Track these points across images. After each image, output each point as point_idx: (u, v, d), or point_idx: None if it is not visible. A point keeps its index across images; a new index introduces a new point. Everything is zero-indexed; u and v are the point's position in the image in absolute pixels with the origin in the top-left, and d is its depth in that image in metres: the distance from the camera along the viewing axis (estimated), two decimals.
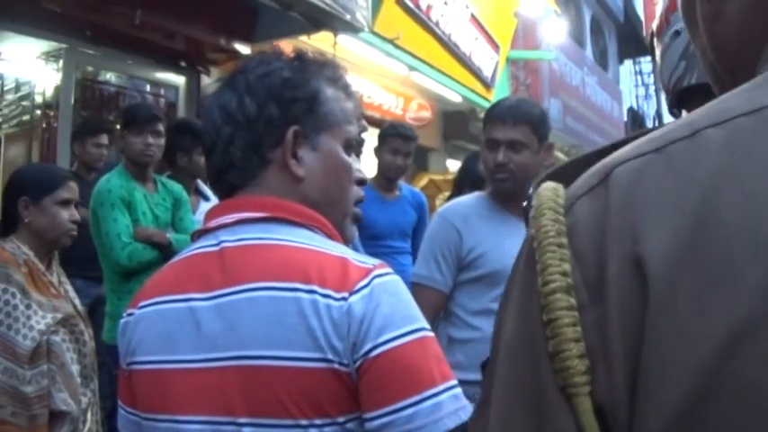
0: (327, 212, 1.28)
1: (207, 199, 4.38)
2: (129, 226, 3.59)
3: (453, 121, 10.85)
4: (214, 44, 6.41)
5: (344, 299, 1.11)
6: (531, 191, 0.70)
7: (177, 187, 3.97)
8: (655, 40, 1.44)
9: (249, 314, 1.14)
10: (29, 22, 5.22)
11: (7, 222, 2.71)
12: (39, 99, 5.87)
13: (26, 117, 6.04)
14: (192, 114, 6.50)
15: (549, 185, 0.66)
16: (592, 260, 0.59)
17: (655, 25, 1.43)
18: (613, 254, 0.57)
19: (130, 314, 1.30)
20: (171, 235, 3.73)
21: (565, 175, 0.68)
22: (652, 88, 23.33)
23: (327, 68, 1.34)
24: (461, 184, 4.48)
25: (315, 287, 1.12)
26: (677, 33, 1.31)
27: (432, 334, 1.17)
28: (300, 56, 1.33)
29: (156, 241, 3.64)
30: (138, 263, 3.55)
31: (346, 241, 1.33)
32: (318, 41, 6.35)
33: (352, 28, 6.21)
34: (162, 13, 5.64)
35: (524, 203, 0.74)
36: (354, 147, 1.36)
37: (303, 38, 6.31)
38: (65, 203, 2.70)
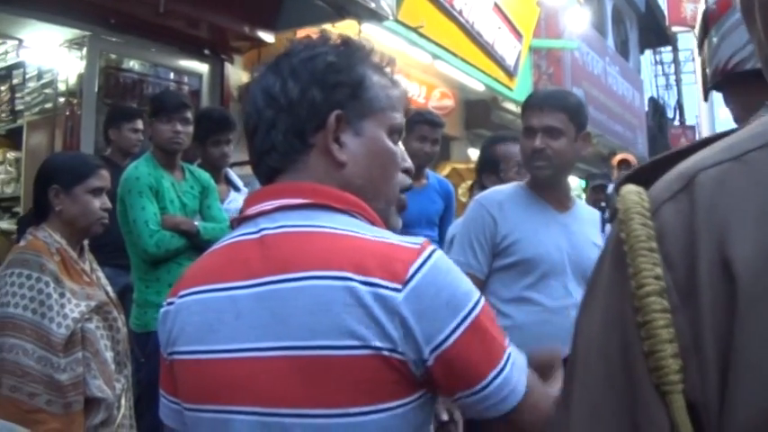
0: (370, 199, 1.26)
1: (237, 189, 4.36)
2: (158, 214, 3.60)
3: (475, 110, 10.81)
4: (238, 32, 6.40)
5: (398, 290, 1.09)
6: (610, 192, 0.70)
7: (205, 175, 3.96)
8: (710, 19, 1.41)
9: (294, 304, 1.12)
10: (52, 10, 5.23)
11: (39, 210, 2.70)
12: (62, 87, 5.87)
13: (48, 105, 6.05)
14: (215, 102, 6.50)
15: (632, 189, 0.68)
16: (682, 264, 0.62)
17: (715, 3, 1.40)
18: (703, 258, 0.60)
19: (170, 303, 1.30)
20: (198, 223, 3.72)
21: (642, 178, 0.70)
22: (672, 78, 23.20)
23: (373, 55, 1.32)
24: (481, 170, 4.43)
25: (360, 275, 1.10)
26: None
27: (483, 299, 1.17)
28: (346, 41, 1.31)
29: (183, 229, 3.64)
30: (165, 251, 3.56)
31: (390, 230, 1.30)
32: (342, 30, 6.27)
33: (377, 16, 6.19)
34: (186, 1, 5.63)
35: (602, 204, 0.73)
36: (399, 135, 1.34)
37: (327, 26, 6.25)
38: (96, 192, 2.68)
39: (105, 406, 2.51)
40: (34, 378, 2.35)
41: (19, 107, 6.44)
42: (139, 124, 4.94)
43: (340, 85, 1.24)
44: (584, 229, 2.77)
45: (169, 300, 1.31)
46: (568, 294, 2.62)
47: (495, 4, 9.43)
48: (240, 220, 1.28)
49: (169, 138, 3.73)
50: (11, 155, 6.54)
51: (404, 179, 1.35)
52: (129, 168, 3.72)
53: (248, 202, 1.29)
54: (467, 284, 1.16)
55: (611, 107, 14.75)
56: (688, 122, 21.90)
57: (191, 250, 3.66)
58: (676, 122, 21.59)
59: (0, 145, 6.65)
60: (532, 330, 2.54)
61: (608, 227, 6.32)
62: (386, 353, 1.08)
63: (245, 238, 1.23)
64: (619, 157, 6.75)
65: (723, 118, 21.33)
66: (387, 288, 1.09)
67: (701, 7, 1.52)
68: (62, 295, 2.46)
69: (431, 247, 1.16)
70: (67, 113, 5.74)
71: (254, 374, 1.14)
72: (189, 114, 3.81)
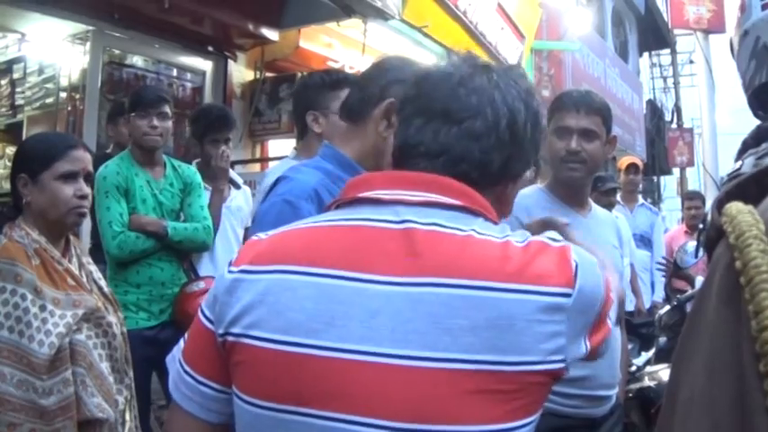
0: None
1: (237, 187, 4.30)
2: (124, 214, 3.50)
3: None
4: (242, 29, 6.33)
5: (569, 295, 1.07)
6: (709, 210, 0.63)
7: (189, 171, 3.84)
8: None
9: (469, 315, 1.03)
10: (56, 4, 5.17)
11: (15, 204, 2.39)
12: (64, 82, 5.82)
13: (50, 100, 6.00)
14: (218, 100, 6.44)
15: (743, 208, 0.57)
16: None
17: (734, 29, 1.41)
18: None
19: (247, 272, 1.15)
20: (168, 223, 3.61)
21: (744, 193, 0.61)
22: (670, 81, 23.18)
23: None
24: None
25: (540, 287, 1.06)
26: (746, 33, 1.25)
27: None
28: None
29: (150, 230, 3.54)
30: (130, 252, 3.48)
31: None
32: (347, 28, 6.25)
33: (383, 15, 6.10)
34: None
35: (700, 226, 0.65)
36: None
37: (332, 24, 6.21)
38: (67, 177, 2.32)
39: (108, 426, 2.24)
40: (14, 406, 2.07)
41: (19, 102, 6.38)
42: None
43: (535, 149, 1.28)
44: (603, 231, 2.75)
45: (244, 267, 1.16)
46: None
47: (499, 5, 9.34)
48: (351, 201, 1.19)
49: (144, 133, 3.60)
50: (10, 150, 6.46)
51: None
52: (101, 167, 3.56)
53: (372, 182, 1.20)
54: (598, 276, 1.17)
55: (611, 109, 14.71)
56: (686, 125, 21.87)
57: (163, 251, 3.59)
58: (674, 125, 21.55)
59: None
60: None
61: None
62: (559, 365, 1.07)
63: (379, 225, 1.12)
64: (627, 160, 6.62)
65: (723, 122, 21.36)
66: (562, 295, 1.07)
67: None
68: (43, 308, 2.17)
69: (563, 243, 1.16)
70: (69, 109, 5.68)
71: (398, 384, 1.03)
72: (167, 109, 3.67)
